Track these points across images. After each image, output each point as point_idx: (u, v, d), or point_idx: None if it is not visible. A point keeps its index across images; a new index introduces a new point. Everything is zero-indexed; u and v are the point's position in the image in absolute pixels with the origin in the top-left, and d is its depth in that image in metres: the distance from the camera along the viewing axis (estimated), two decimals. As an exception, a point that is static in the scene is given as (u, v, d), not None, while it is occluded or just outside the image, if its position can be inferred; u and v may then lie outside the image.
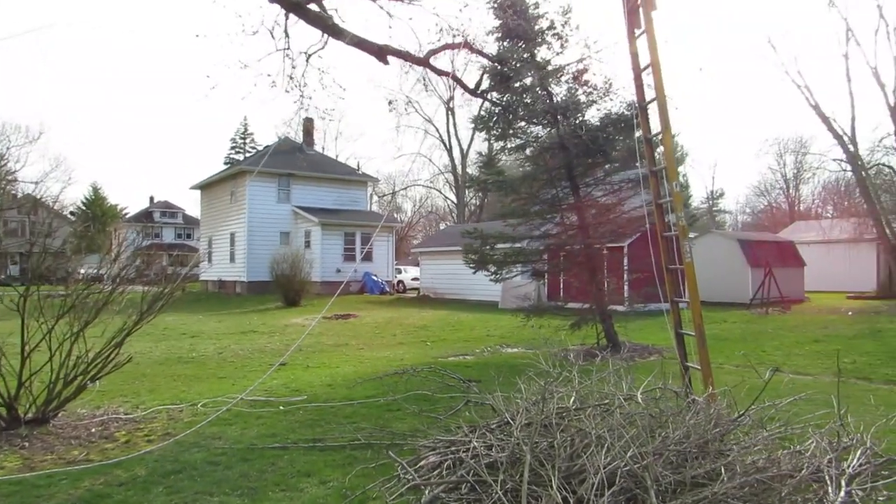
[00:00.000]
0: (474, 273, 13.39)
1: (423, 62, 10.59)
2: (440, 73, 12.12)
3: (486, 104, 12.67)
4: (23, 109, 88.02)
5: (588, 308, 12.73)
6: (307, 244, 31.40)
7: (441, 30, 10.17)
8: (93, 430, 6.37)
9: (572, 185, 12.33)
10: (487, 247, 12.81)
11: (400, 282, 35.16)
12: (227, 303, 27.81)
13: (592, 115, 12.14)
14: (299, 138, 38.51)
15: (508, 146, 13.66)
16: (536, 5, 11.61)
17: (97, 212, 68.23)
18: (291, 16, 9.25)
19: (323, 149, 53.44)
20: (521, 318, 12.97)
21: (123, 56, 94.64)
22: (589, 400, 4.55)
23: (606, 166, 12.74)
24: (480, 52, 11.55)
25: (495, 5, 11.41)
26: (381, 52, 9.54)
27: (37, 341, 6.28)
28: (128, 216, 69.12)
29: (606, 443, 3.57)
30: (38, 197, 54.59)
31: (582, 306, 13.16)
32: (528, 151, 12.95)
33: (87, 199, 68.74)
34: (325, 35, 9.37)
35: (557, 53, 11.83)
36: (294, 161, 33.91)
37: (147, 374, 9.98)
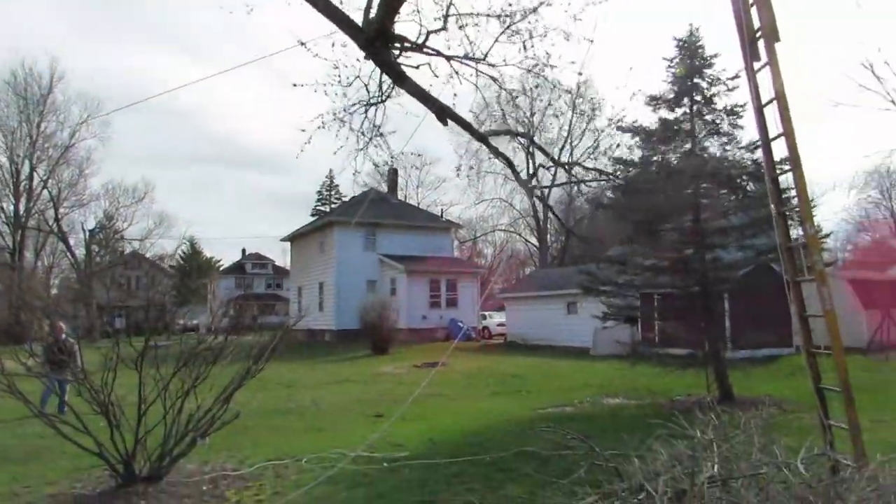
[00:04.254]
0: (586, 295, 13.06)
1: (482, 139, 10.46)
2: (497, 153, 11.66)
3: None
4: (131, 171, 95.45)
5: (696, 354, 11.98)
6: (393, 291, 31.70)
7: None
8: (203, 487, 6.36)
9: (696, 217, 11.72)
10: (610, 265, 12.44)
11: (485, 328, 34.78)
12: (317, 351, 28.25)
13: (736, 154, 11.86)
14: (382, 188, 39.45)
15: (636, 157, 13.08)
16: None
17: (194, 265, 72.02)
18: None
19: (406, 197, 54.53)
20: (618, 366, 12.40)
21: (212, 113, 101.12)
22: (734, 467, 4.06)
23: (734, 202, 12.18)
24: (540, 148, 11.56)
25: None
26: (441, 112, 9.46)
27: (152, 398, 6.39)
28: (222, 269, 72.47)
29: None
30: (143, 253, 58.29)
31: (684, 353, 12.44)
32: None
33: (184, 253, 72.69)
34: (391, 82, 9.44)
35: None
36: (379, 211, 34.63)
37: (249, 427, 10.04)
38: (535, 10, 8.71)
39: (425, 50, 9.03)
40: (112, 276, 53.44)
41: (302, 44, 8.65)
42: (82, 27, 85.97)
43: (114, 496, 6.02)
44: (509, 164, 11.97)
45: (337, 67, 9.29)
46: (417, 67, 9.15)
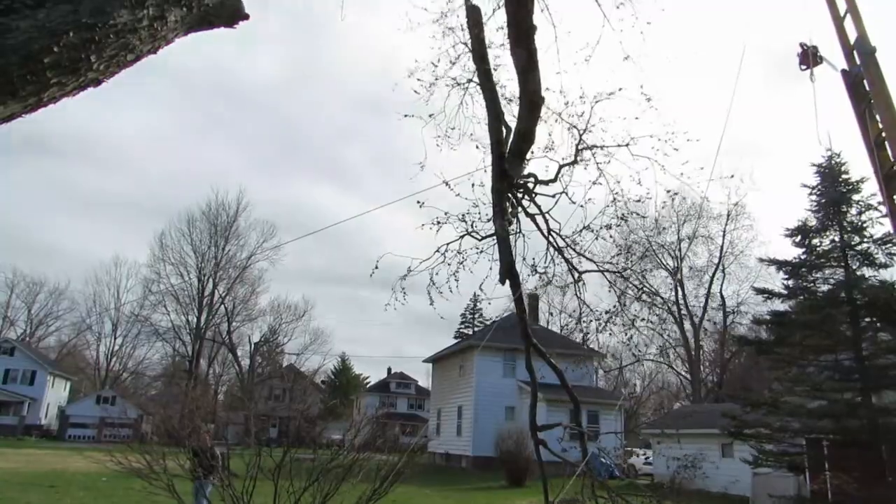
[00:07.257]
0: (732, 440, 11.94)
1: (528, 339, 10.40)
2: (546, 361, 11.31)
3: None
4: (295, 290, 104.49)
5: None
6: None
7: None
8: None
9: (857, 354, 10.65)
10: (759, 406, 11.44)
11: (631, 465, 32.38)
12: (452, 477, 27.79)
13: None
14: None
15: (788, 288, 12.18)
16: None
17: (343, 381, 75.15)
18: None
19: (548, 323, 54.13)
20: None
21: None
22: None
23: None
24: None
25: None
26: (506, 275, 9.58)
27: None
28: (368, 386, 74.86)
29: None
30: (298, 367, 62.13)
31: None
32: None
33: (335, 369, 76.27)
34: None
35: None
36: (520, 337, 34.55)
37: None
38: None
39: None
40: (270, 388, 57.25)
41: (446, 183, 9.53)
42: (261, 163, 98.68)
43: None
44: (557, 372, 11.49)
45: (476, 206, 10.11)
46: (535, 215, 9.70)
